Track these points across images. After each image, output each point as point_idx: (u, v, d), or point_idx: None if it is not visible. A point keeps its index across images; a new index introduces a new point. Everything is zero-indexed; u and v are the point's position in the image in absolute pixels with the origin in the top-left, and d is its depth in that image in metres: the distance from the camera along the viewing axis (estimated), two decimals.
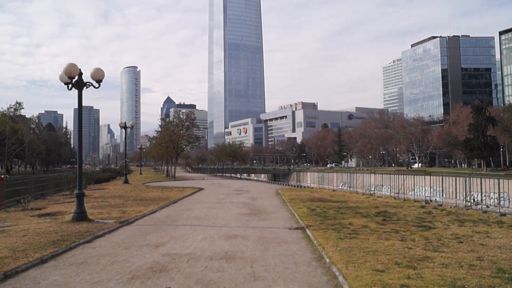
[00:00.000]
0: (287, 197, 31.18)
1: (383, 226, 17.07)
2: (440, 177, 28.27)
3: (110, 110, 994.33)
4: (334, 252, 12.12)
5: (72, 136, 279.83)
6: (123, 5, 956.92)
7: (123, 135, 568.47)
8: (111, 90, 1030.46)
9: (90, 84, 19.12)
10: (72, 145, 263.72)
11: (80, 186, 19.30)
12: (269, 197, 33.83)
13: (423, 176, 31.07)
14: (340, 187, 43.14)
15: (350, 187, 39.08)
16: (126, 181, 52.72)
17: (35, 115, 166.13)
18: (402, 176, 33.12)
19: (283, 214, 22.31)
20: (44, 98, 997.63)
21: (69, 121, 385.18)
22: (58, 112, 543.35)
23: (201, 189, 42.64)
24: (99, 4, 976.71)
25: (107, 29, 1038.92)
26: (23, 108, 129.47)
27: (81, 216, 18.57)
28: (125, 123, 52.85)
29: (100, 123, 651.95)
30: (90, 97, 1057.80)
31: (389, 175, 34.17)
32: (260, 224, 18.45)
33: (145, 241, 14.40)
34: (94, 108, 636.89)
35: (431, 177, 29.14)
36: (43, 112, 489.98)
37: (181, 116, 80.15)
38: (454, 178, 27.29)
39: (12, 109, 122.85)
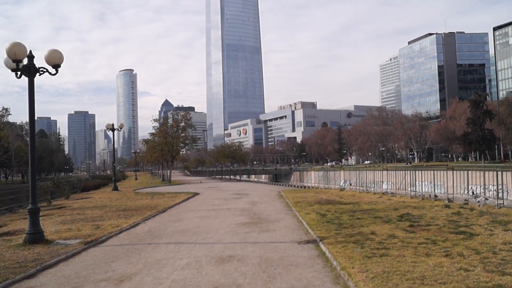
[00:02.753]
0: (292, 200, 27.57)
1: (413, 234, 13.62)
2: (465, 172, 24.56)
3: (107, 115, 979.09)
4: (366, 282, 8.55)
5: (66, 142, 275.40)
6: (120, 7, 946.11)
7: (120, 140, 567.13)
8: (108, 94, 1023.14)
9: (44, 70, 15.38)
10: (66, 152, 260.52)
11: (34, 200, 15.41)
12: (271, 200, 30.17)
13: (444, 172, 27.29)
14: (347, 186, 39.55)
15: (360, 186, 35.22)
16: (115, 188, 48.91)
17: (20, 121, 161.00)
18: (419, 172, 29.37)
19: (289, 222, 18.68)
20: (38, 104, 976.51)
21: (63, 127, 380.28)
22: (52, 118, 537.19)
23: (196, 194, 38.97)
24: (95, 6, 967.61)
25: (103, 32, 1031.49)
26: (10, 114, 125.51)
27: (35, 237, 14.75)
28: (113, 124, 49.00)
29: (96, 129, 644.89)
30: (86, 102, 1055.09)
31: (404, 172, 30.50)
32: (262, 238, 14.81)
33: (107, 273, 10.65)
34: (89, 113, 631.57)
35: (454, 172, 25.29)
36: (36, 118, 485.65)
37: (176, 117, 76.56)
38: (482, 172, 23.73)
39: None
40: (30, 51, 15.05)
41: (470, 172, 24.23)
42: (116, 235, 16.66)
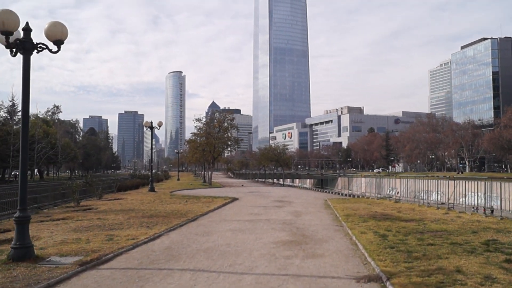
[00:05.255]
0: (341, 213, 23.97)
1: None
2: None
3: (156, 116, 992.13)
4: None
5: (115, 141, 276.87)
6: (173, 11, 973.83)
7: (167, 140, 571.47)
8: (158, 96, 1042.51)
9: (43, 46, 12.36)
10: (114, 150, 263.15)
11: (23, 206, 12.15)
12: (316, 211, 26.58)
13: None
14: (402, 198, 35.49)
15: (420, 198, 31.06)
16: (152, 189, 46.38)
17: (73, 119, 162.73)
18: (497, 183, 24.83)
19: (340, 243, 15.11)
20: (91, 103, 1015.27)
21: (114, 127, 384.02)
22: (103, 117, 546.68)
23: (235, 199, 35.76)
24: (150, 10, 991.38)
25: (156, 35, 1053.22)
26: (61, 112, 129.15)
27: (21, 253, 11.69)
28: (151, 122, 46.98)
29: (145, 129, 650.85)
30: (137, 102, 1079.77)
31: (476, 182, 26.21)
32: (307, 268, 11.35)
33: None
34: (138, 113, 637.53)
35: None
36: (88, 117, 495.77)
37: (219, 117, 73.92)
38: None
39: (49, 113, 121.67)
40: (27, 23, 12.21)
41: None
42: (127, 252, 13.58)
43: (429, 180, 32.47)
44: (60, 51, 12.80)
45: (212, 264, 11.85)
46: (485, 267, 10.73)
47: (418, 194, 31.71)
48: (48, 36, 12.44)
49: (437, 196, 29.67)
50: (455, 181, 29.23)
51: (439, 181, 31.28)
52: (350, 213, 23.31)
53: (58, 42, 12.58)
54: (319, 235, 16.92)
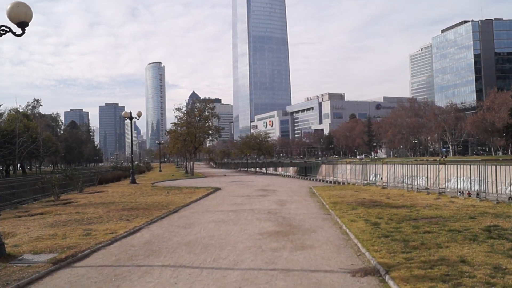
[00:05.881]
0: (327, 200, 23.24)
1: None
2: None
3: (136, 107, 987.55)
4: None
5: (97, 134, 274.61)
6: (151, 2, 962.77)
7: (149, 132, 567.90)
8: (138, 87, 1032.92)
9: (6, 29, 11.40)
10: (96, 143, 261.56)
11: None
12: (302, 199, 25.84)
13: None
14: (388, 183, 34.68)
15: (408, 183, 30.20)
16: (133, 181, 45.41)
17: (55, 113, 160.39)
18: (491, 167, 23.90)
19: (330, 233, 14.38)
20: (72, 96, 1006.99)
21: (95, 119, 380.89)
22: (84, 110, 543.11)
23: (217, 189, 34.94)
24: (127, 1, 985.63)
25: (135, 27, 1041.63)
26: (41, 105, 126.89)
27: None
28: (130, 113, 46.11)
29: (126, 120, 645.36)
30: (118, 94, 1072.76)
31: (469, 165, 25.28)
32: (297, 261, 10.59)
33: None
34: (119, 105, 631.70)
35: None
36: (69, 110, 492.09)
37: (198, 105, 73.08)
38: None
39: (30, 107, 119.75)
40: None
41: None
42: (105, 247, 12.82)
43: (417, 165, 31.87)
44: (24, 34, 11.83)
45: (194, 259, 11.07)
46: (492, 256, 9.94)
47: (404, 179, 31.08)
48: (11, 17, 11.46)
49: (427, 181, 28.99)
50: (446, 166, 28.61)
51: (428, 165, 30.63)
52: (337, 201, 22.58)
53: (22, 24, 11.60)
54: (306, 224, 16.18)
